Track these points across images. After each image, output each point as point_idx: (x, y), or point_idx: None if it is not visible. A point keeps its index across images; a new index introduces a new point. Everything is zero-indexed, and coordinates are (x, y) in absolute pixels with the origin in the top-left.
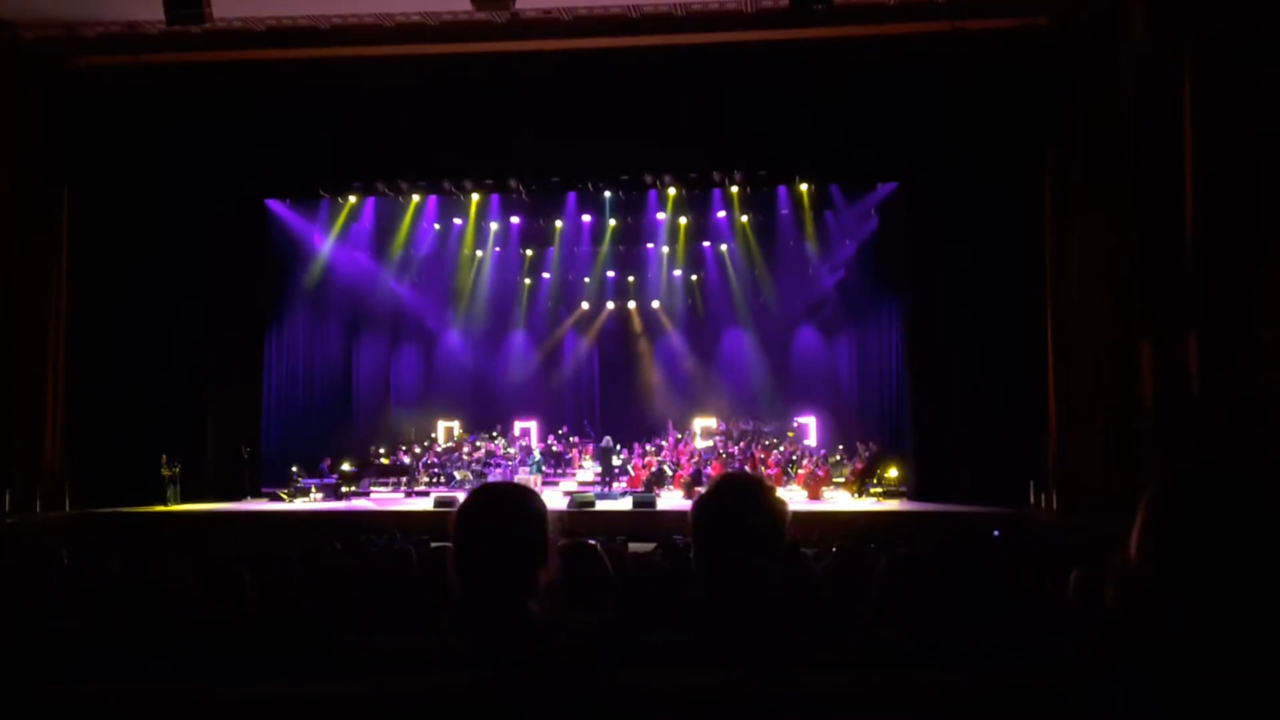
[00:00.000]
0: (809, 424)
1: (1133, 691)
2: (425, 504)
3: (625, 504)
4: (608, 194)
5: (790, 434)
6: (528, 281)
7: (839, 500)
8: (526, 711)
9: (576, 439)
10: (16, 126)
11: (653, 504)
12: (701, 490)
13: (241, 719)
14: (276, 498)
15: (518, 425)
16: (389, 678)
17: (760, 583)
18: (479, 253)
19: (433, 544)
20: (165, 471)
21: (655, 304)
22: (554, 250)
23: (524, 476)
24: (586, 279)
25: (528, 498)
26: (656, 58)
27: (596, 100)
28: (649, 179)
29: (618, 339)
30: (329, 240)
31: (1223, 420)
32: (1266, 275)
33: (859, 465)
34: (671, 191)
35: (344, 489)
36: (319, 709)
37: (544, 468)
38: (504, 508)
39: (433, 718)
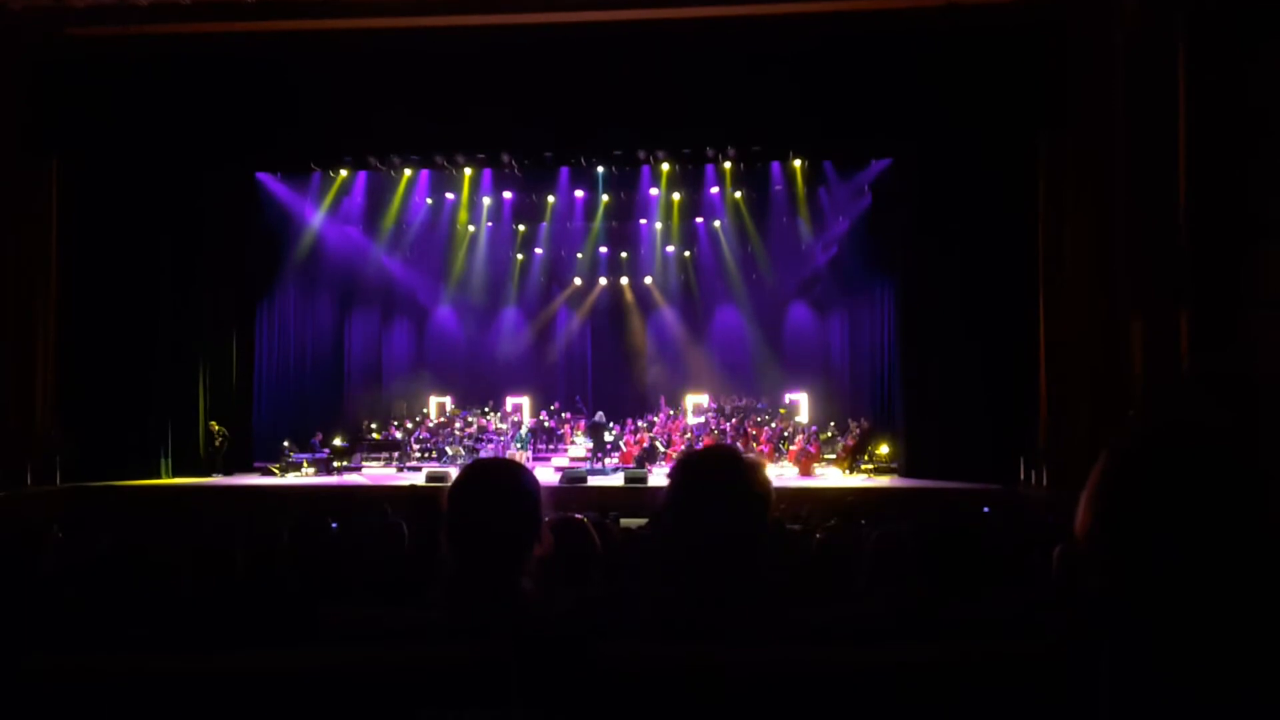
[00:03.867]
0: (801, 400)
1: (1111, 662)
2: (417, 479)
3: (617, 480)
4: (600, 169)
5: (782, 410)
6: (520, 257)
7: (830, 477)
8: (518, 684)
9: (568, 415)
10: (5, 97)
11: (644, 480)
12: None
13: (231, 690)
14: (268, 472)
15: (510, 401)
16: (379, 649)
17: (733, 555)
18: (471, 228)
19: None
20: None
21: (648, 280)
22: (546, 226)
23: (513, 452)
24: (579, 255)
25: (521, 473)
26: (650, 31)
27: (589, 75)
28: (642, 154)
29: (610, 315)
30: (320, 214)
31: (1210, 399)
32: (1261, 253)
33: (850, 442)
34: (665, 167)
35: (336, 464)
36: (309, 680)
37: (529, 443)
38: (498, 483)
39: (423, 690)
